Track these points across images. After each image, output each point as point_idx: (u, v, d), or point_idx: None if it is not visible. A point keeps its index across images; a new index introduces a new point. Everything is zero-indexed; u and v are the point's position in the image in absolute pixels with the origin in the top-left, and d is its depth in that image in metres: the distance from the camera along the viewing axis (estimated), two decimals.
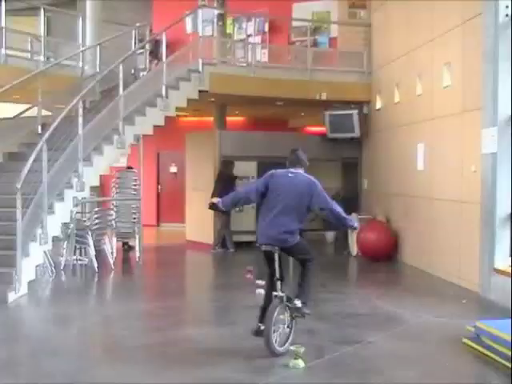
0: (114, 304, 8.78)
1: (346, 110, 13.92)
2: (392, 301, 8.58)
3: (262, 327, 6.14)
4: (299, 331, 6.52)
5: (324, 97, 13.57)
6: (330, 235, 14.95)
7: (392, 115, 12.75)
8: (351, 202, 14.88)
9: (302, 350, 5.81)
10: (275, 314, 6.07)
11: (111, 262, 11.27)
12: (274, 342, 6.02)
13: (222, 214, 13.11)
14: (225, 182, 13.30)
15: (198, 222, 14.50)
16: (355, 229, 6.69)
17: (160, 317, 7.80)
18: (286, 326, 6.23)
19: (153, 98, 11.45)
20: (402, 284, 10.28)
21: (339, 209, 6.32)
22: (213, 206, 6.54)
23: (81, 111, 9.87)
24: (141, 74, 12.46)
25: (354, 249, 12.82)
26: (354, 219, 6.72)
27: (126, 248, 13.38)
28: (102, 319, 7.84)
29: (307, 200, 6.17)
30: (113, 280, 10.67)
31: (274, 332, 6.03)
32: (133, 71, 12.41)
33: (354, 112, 13.86)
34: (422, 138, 11.21)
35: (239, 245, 13.61)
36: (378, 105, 13.51)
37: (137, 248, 12.01)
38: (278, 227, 6.09)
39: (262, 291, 8.62)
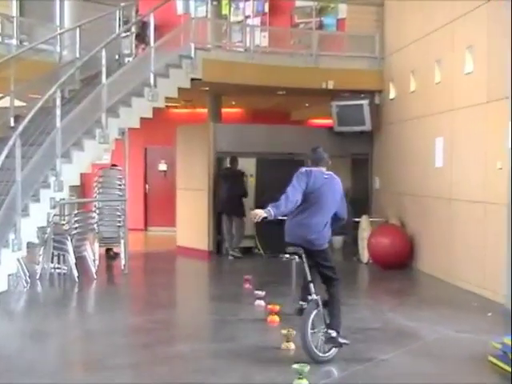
0: (97, 318, 8.74)
1: (355, 100, 13.90)
2: (407, 313, 8.55)
3: (305, 305, 6.69)
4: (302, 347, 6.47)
5: (331, 85, 13.54)
6: (337, 240, 14.90)
7: (407, 106, 12.72)
8: (361, 203, 14.84)
9: (306, 368, 5.75)
10: (311, 318, 6.42)
11: (93, 270, 11.23)
12: (312, 345, 6.37)
13: (236, 217, 13.43)
14: (232, 179, 13.32)
15: (190, 226, 14.45)
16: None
17: (148, 332, 7.77)
18: (323, 331, 6.49)
19: (139, 87, 11.40)
20: (418, 294, 10.25)
21: None
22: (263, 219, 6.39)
23: (59, 101, 9.82)
24: (126, 59, 12.41)
25: (364, 255, 12.79)
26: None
27: (111, 255, 13.34)
28: (83, 335, 7.81)
29: (337, 205, 6.68)
30: (95, 291, 10.63)
31: (312, 335, 6.40)
32: (117, 57, 12.35)
33: (365, 102, 13.83)
34: (441, 132, 11.17)
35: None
36: (392, 94, 13.48)
37: (122, 255, 11.97)
38: (309, 228, 6.50)
39: (261, 303, 8.66)
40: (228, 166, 13.76)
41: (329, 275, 6.58)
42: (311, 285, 6.53)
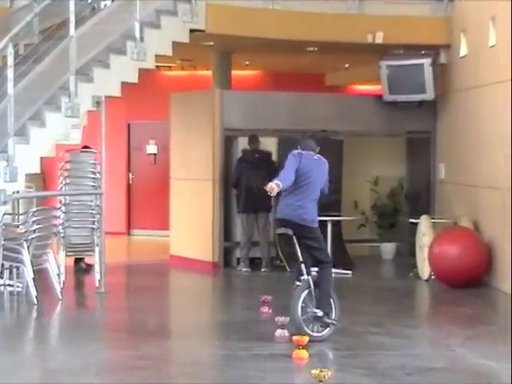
0: (63, 353, 8.74)
1: (412, 58, 13.85)
2: (482, 349, 8.51)
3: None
4: None
5: (380, 39, 13.50)
6: (388, 248, 14.86)
7: (484, 66, 12.63)
8: (420, 198, 14.83)
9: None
10: (303, 295, 8.60)
11: (58, 288, 11.24)
12: (301, 319, 8.54)
13: (263, 213, 13.71)
14: (260, 164, 13.42)
15: (188, 229, 14.45)
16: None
17: (132, 371, 7.74)
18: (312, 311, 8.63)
19: (120, 42, 11.44)
20: (497, 323, 10.22)
21: None
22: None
23: (11, 60, 9.84)
24: (102, 3, 12.42)
25: (424, 269, 12.73)
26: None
27: (82, 267, 13.39)
28: (44, 375, 7.78)
29: (322, 185, 9.10)
30: (60, 316, 10.67)
31: (302, 311, 8.57)
32: (90, 0, 12.36)
33: (426, 62, 13.76)
34: None
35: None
36: (463, 50, 13.40)
37: (96, 267, 11.98)
38: (303, 208, 8.77)
39: (285, 333, 8.66)
40: (247, 147, 13.77)
41: (319, 258, 8.79)
42: (303, 265, 8.69)
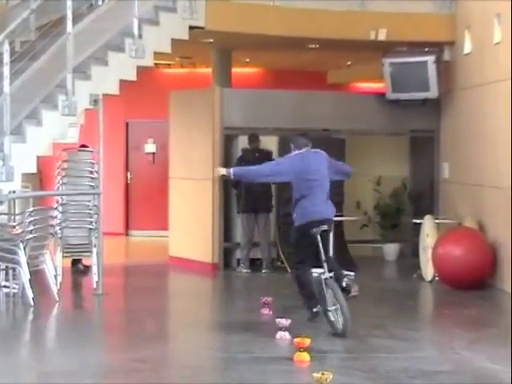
0: (59, 355, 8.73)
1: (416, 56, 13.84)
2: (487, 351, 8.50)
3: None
4: None
5: (383, 36, 13.50)
6: (391, 249, 14.85)
7: (489, 63, 12.63)
8: (423, 198, 14.81)
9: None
10: (333, 294, 8.92)
11: (55, 289, 11.24)
12: (338, 323, 8.85)
13: (263, 213, 13.79)
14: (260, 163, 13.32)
15: (188, 230, 14.45)
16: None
17: (130, 374, 7.74)
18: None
19: (119, 39, 11.44)
20: (502, 325, 10.17)
21: None
22: None
23: (7, 57, 9.84)
24: (100, 0, 12.41)
25: (427, 270, 12.73)
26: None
27: (79, 269, 13.39)
28: (40, 377, 7.78)
29: (328, 173, 9.67)
30: (57, 318, 10.65)
31: (336, 312, 8.89)
32: None
33: (429, 59, 13.75)
34: None
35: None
36: (467, 47, 13.39)
37: (94, 269, 11.97)
38: (328, 206, 9.42)
39: (285, 335, 8.64)
40: (247, 146, 13.78)
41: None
42: (325, 264, 9.03)
